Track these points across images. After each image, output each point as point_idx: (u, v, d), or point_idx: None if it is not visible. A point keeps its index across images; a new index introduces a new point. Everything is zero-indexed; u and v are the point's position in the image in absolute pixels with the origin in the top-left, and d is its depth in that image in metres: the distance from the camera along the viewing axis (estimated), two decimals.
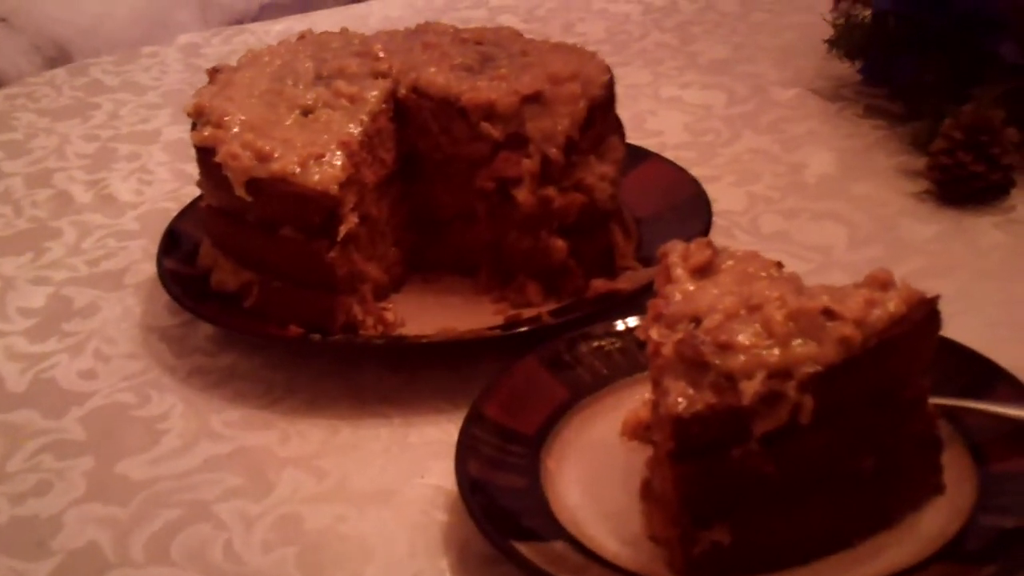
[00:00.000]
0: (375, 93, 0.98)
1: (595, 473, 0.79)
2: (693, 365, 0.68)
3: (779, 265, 0.75)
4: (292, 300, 0.93)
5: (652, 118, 1.33)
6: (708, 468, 0.68)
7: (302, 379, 0.92)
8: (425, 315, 0.97)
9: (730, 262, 0.74)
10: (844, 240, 1.07)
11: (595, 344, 0.88)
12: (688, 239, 0.98)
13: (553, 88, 0.96)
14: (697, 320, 0.70)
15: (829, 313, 0.68)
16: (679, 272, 0.73)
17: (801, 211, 1.12)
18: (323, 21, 1.66)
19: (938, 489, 0.74)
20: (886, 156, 1.20)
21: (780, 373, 0.66)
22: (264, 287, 0.95)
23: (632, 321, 0.88)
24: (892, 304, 0.69)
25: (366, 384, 0.91)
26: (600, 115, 0.97)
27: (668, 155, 1.19)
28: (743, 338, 0.68)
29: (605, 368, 0.86)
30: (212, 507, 0.80)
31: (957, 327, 0.91)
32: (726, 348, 0.67)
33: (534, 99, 0.95)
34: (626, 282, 0.96)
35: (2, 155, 1.35)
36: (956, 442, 0.77)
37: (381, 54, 1.02)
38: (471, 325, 0.93)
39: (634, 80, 1.43)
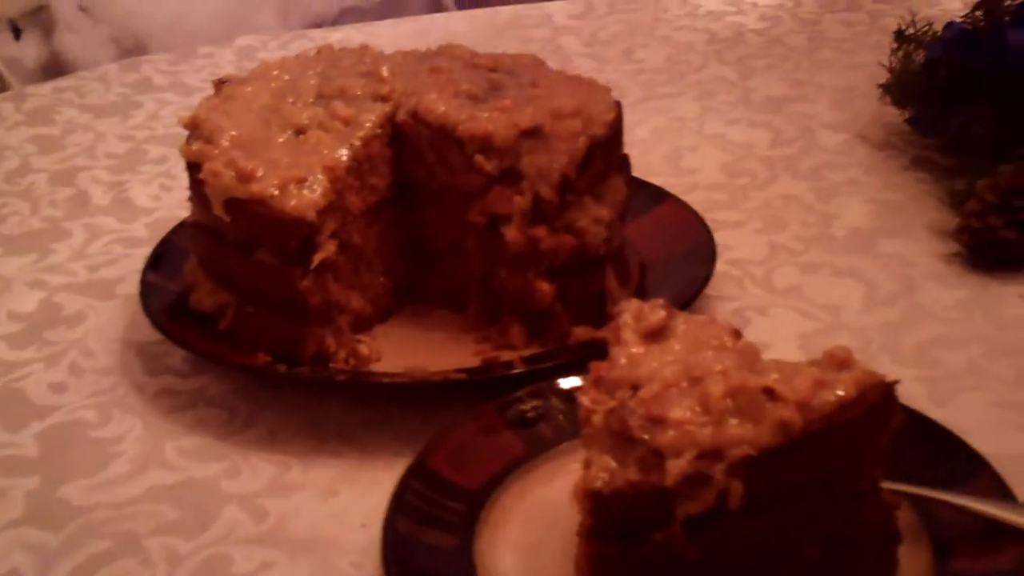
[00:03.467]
0: (372, 117, 0.95)
1: (535, 538, 0.75)
2: (621, 438, 0.63)
3: (736, 334, 0.70)
4: (264, 326, 0.91)
5: (690, 155, 1.28)
6: (626, 550, 0.63)
7: (266, 410, 0.89)
8: (404, 350, 0.93)
9: (683, 326, 0.69)
10: (859, 301, 1.01)
11: (561, 397, 0.83)
12: (687, 289, 0.95)
13: (554, 123, 0.92)
14: (635, 388, 0.65)
15: (770, 392, 0.63)
16: (629, 334, 0.69)
17: (822, 266, 1.07)
18: (385, 31, 1.65)
19: None
20: (922, 213, 1.14)
21: (710, 454, 0.62)
22: (238, 310, 0.92)
23: None
24: (842, 387, 0.64)
25: (329, 420, 0.88)
26: (601, 154, 0.93)
27: (698, 196, 1.15)
28: (676, 413, 0.63)
29: (568, 423, 0.82)
30: (143, 541, 0.78)
31: (960, 404, 0.86)
32: (657, 422, 0.63)
33: (533, 133, 0.91)
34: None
35: (35, 150, 1.35)
36: (920, 535, 0.71)
37: (386, 75, 0.99)
38: (449, 364, 0.90)
39: (682, 113, 1.38)
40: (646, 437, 0.63)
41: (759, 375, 0.64)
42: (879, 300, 1.01)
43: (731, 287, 1.03)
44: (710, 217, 1.07)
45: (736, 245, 1.08)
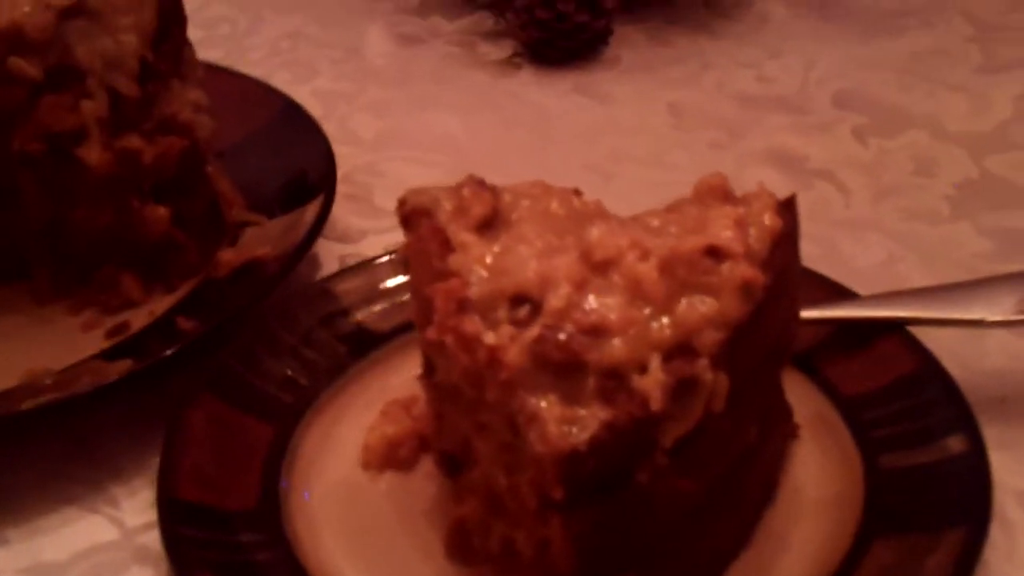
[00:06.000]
0: None
1: (368, 541, 0.55)
2: (562, 370, 0.46)
3: (577, 192, 0.54)
4: None
5: None
6: (610, 509, 0.47)
7: None
8: None
9: (522, 202, 0.52)
10: (462, 130, 0.88)
11: (278, 346, 0.62)
12: (317, 164, 0.75)
13: None
14: (529, 300, 0.48)
15: (714, 251, 0.48)
16: (463, 235, 0.50)
17: (390, 103, 0.91)
18: None
19: (793, 433, 0.59)
20: (448, 21, 1.01)
21: (678, 351, 0.47)
22: None
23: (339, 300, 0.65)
24: (767, 218, 0.51)
25: None
26: (174, 19, 0.69)
27: None
28: (614, 313, 0.47)
29: (304, 378, 0.62)
30: None
31: (638, 201, 0.76)
32: (597, 333, 0.46)
33: (78, 11, 0.65)
34: (262, 244, 0.70)
35: None
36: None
37: None
38: (65, 355, 0.64)
39: None
40: (595, 357, 0.46)
41: (679, 237, 0.49)
42: (481, 125, 0.88)
43: None
44: None
45: None
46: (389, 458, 0.59)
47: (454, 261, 0.50)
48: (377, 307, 0.65)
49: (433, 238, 0.51)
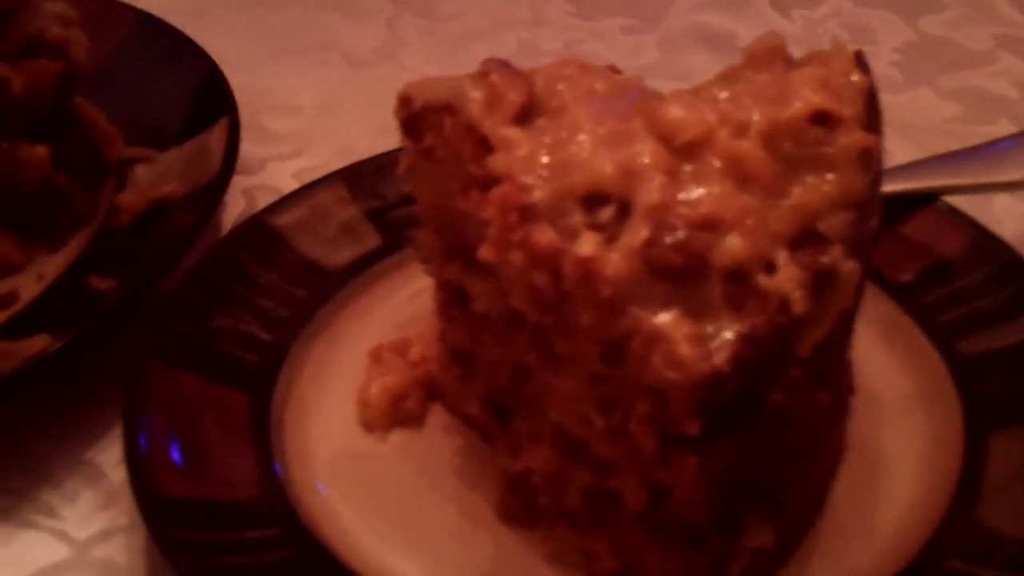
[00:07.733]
0: None
1: (399, 516, 0.46)
2: (679, 277, 0.37)
3: (613, 68, 0.45)
4: None
5: None
6: (746, 439, 0.38)
7: None
8: None
9: (561, 86, 0.42)
10: (341, 35, 0.77)
11: (226, 298, 0.51)
12: (191, 91, 0.64)
13: None
14: (608, 199, 0.38)
15: (822, 117, 0.40)
16: (503, 130, 0.41)
17: (247, 13, 0.79)
18: None
19: None
20: None
21: (806, 238, 0.38)
22: None
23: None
24: (856, 76, 0.43)
25: None
26: None
27: None
28: (725, 203, 0.38)
29: (265, 332, 0.51)
30: None
31: None
32: (712, 227, 0.38)
33: None
34: (162, 182, 0.58)
35: None
36: None
37: None
38: None
39: None
40: (719, 257, 0.37)
41: (758, 107, 0.41)
42: (360, 29, 0.78)
43: None
44: None
45: None
46: (394, 414, 0.49)
47: (497, 162, 0.40)
48: (328, 241, 0.55)
49: (465, 138, 0.41)
